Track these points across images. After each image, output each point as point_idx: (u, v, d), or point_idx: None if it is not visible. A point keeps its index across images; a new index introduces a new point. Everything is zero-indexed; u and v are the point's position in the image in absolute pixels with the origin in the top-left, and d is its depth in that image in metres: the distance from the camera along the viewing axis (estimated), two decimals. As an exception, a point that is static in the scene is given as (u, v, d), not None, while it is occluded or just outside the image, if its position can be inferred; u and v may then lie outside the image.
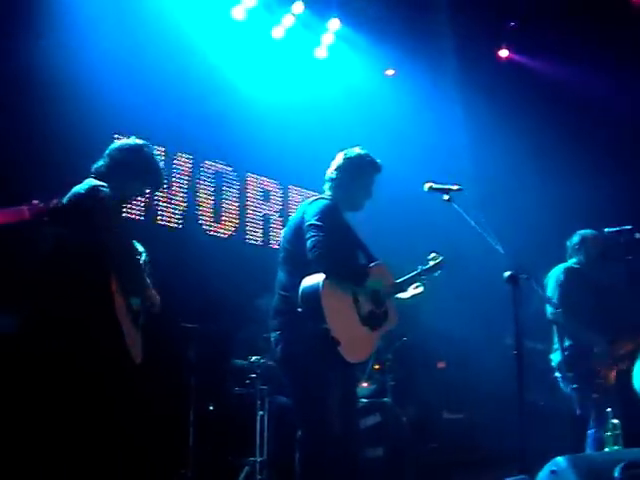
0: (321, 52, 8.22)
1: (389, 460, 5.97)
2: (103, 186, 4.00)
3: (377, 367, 6.59)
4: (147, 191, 4.71)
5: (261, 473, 5.62)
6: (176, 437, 5.91)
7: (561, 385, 5.64)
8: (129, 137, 4.57)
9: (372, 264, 4.38)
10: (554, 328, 5.67)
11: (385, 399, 6.45)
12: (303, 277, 4.09)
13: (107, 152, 4.25)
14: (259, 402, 5.81)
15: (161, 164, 4.35)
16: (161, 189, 6.33)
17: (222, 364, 6.54)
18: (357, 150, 4.54)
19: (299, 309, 4.05)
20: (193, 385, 5.95)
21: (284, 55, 8.00)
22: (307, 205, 4.34)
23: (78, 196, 3.98)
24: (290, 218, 4.58)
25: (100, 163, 4.22)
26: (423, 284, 4.61)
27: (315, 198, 4.39)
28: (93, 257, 3.89)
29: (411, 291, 4.61)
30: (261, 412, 5.78)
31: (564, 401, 5.76)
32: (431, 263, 4.63)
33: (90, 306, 3.87)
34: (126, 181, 4.22)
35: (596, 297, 5.68)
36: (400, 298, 4.58)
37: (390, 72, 8.86)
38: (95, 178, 4.11)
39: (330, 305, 4.00)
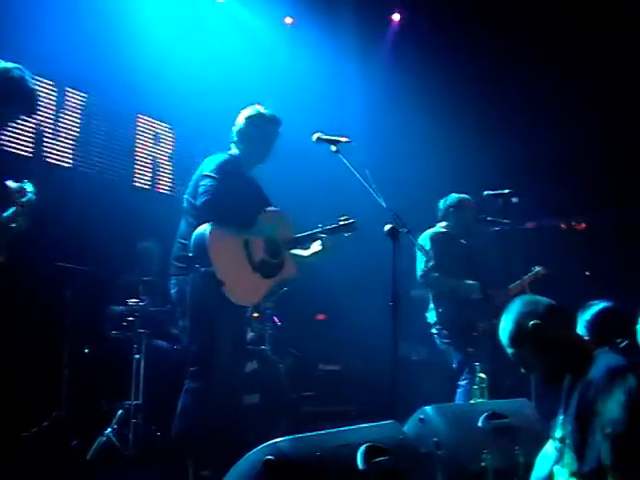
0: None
1: (264, 407, 6.04)
2: None
3: (256, 315, 6.62)
4: (20, 116, 4.54)
5: (135, 417, 5.57)
6: (49, 379, 5.80)
7: (437, 341, 5.85)
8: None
9: (268, 209, 4.60)
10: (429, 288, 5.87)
11: (263, 347, 6.51)
12: (197, 225, 4.37)
13: None
14: (136, 346, 5.74)
15: (34, 88, 4.13)
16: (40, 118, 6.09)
17: (100, 307, 6.41)
18: (258, 109, 4.72)
19: (190, 254, 4.34)
20: (67, 326, 5.83)
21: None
22: (206, 160, 4.60)
23: None
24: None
25: None
26: (323, 243, 4.70)
27: (215, 154, 4.63)
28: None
29: (312, 249, 4.74)
30: (137, 356, 5.71)
31: (439, 355, 5.98)
32: (340, 223, 4.72)
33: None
34: None
35: (464, 260, 5.91)
36: (299, 255, 4.76)
37: (289, 20, 8.78)
38: None
39: (217, 249, 4.28)
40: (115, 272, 6.61)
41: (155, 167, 7.97)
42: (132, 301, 5.87)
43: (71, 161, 7.02)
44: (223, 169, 4.48)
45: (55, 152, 6.88)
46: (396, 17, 9.25)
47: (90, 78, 7.06)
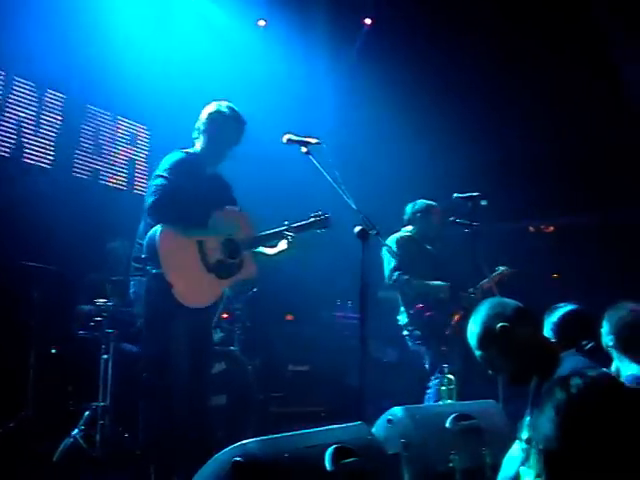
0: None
1: (232, 408, 6.02)
2: None
3: (226, 316, 6.61)
4: None
5: (102, 418, 5.52)
6: (15, 379, 5.73)
7: (409, 343, 5.89)
8: None
9: (226, 208, 4.53)
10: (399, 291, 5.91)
11: (232, 347, 6.49)
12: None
13: None
14: (104, 346, 5.68)
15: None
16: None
17: (67, 306, 6.35)
18: (220, 105, 4.66)
19: (143, 255, 4.33)
20: (34, 326, 5.77)
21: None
22: (163, 159, 4.54)
23: None
24: None
25: None
26: (290, 241, 4.66)
27: (172, 152, 4.56)
28: None
29: (279, 247, 4.69)
30: (105, 356, 5.66)
31: (409, 356, 6.02)
32: (312, 219, 4.70)
33: None
34: None
35: (428, 265, 5.97)
36: (265, 253, 4.70)
37: (262, 23, 8.78)
38: None
39: (167, 251, 4.25)
40: (83, 271, 6.56)
41: (131, 168, 7.97)
42: (100, 301, 5.81)
43: (51, 161, 7.03)
44: (175, 168, 4.42)
45: (34, 152, 6.88)
46: (368, 21, 9.30)
47: (69, 79, 7.09)
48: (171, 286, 4.21)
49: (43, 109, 7.01)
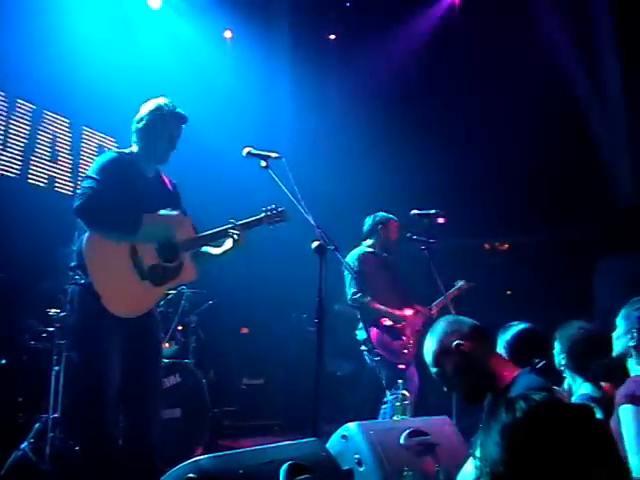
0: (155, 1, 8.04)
1: (185, 422, 5.97)
2: None
3: (180, 328, 6.55)
4: None
5: (53, 430, 5.42)
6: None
7: (366, 358, 5.90)
8: None
9: (162, 211, 4.23)
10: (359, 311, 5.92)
11: (187, 360, 6.44)
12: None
13: None
14: (55, 357, 5.59)
15: None
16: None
17: (18, 315, 6.24)
18: (158, 100, 4.43)
19: (72, 263, 4.14)
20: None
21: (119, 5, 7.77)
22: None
23: None
24: None
25: None
26: (236, 239, 4.44)
27: (104, 152, 4.35)
28: None
29: (224, 246, 4.48)
30: (57, 367, 5.56)
31: (364, 371, 6.03)
32: (263, 214, 4.56)
33: None
34: None
35: (388, 277, 6.01)
36: (210, 253, 4.50)
37: (228, 34, 8.80)
38: None
39: (95, 259, 4.05)
40: (35, 279, 6.45)
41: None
42: (52, 311, 5.71)
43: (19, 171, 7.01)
44: (105, 169, 4.16)
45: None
46: (332, 37, 9.42)
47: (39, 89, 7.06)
48: (99, 296, 3.99)
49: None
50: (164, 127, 4.37)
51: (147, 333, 4.29)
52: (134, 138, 4.40)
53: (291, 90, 8.91)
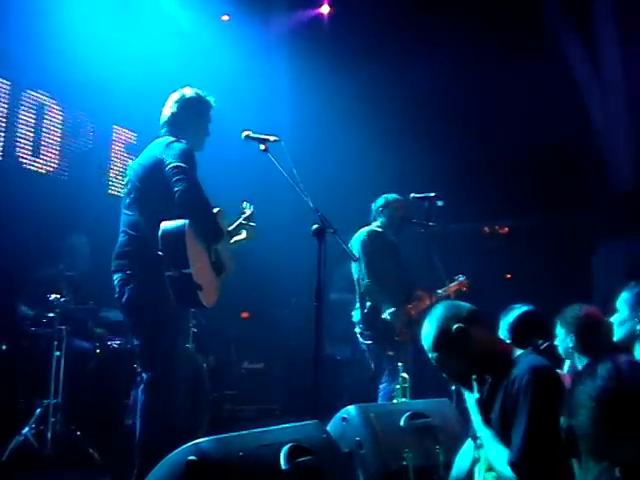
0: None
1: (186, 406, 5.98)
2: None
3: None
4: None
5: (54, 415, 5.44)
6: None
7: (360, 340, 5.89)
8: None
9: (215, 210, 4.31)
10: (356, 287, 5.90)
11: (187, 345, 6.44)
12: (158, 218, 3.98)
13: None
14: (56, 343, 5.60)
15: None
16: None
17: (18, 301, 6.24)
18: (192, 90, 4.46)
19: (160, 252, 3.94)
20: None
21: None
22: (162, 147, 4.18)
23: None
24: (140, 157, 4.35)
25: None
26: (245, 230, 4.60)
27: (170, 140, 4.21)
28: None
29: (238, 236, 4.61)
30: (57, 353, 5.58)
31: (362, 355, 6.03)
32: (247, 212, 4.65)
33: None
34: None
35: (395, 259, 5.99)
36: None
37: (226, 18, 8.76)
38: None
39: (192, 250, 3.97)
40: (34, 266, 6.44)
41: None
42: (53, 297, 5.71)
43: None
44: (190, 160, 4.11)
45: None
46: (325, 9, 9.34)
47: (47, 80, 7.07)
48: (200, 288, 3.96)
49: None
50: (202, 115, 4.45)
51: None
52: (170, 129, 4.35)
53: (289, 72, 8.89)
